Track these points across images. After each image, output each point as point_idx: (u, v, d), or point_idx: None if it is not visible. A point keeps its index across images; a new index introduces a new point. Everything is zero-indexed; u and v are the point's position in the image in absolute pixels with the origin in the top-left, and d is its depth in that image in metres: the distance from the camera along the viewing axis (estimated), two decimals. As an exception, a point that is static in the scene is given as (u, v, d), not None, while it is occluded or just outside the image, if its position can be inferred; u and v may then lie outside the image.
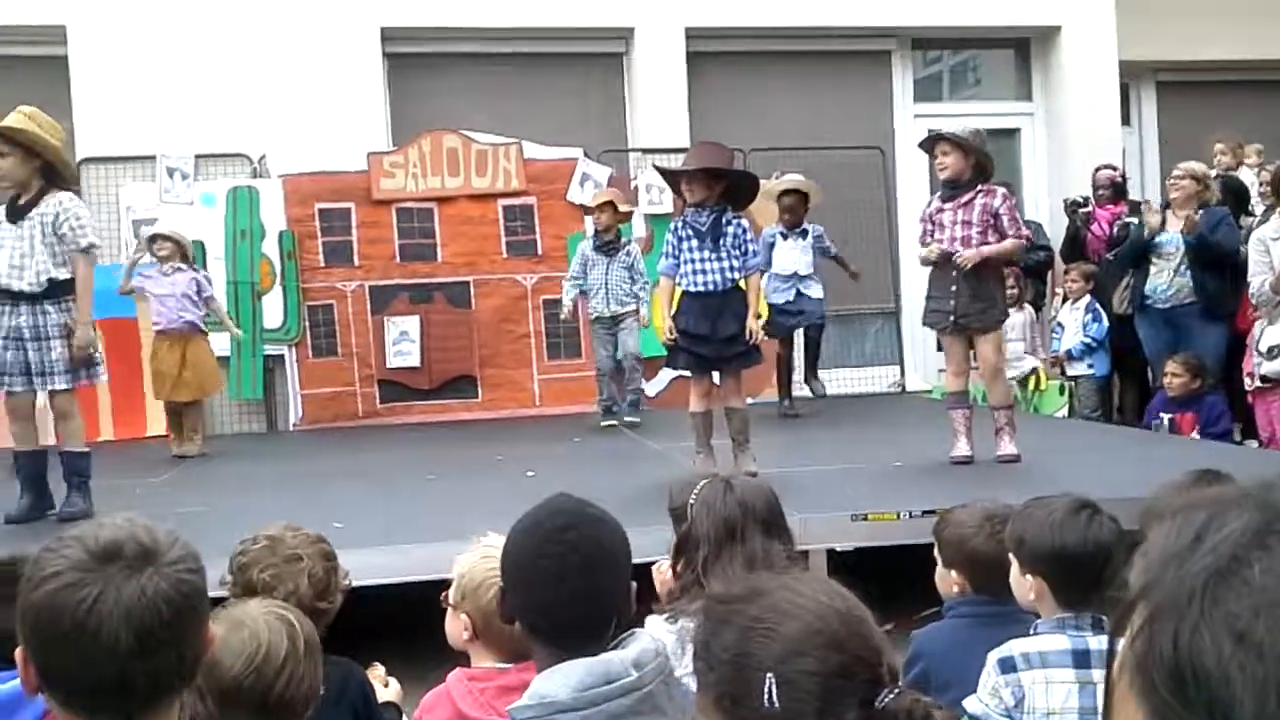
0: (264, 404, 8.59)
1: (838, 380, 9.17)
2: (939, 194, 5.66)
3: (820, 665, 1.27)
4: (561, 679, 1.67)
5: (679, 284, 5.34)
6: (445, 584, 2.36)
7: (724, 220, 5.21)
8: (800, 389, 8.18)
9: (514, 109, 9.06)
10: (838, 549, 3.98)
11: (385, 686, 2.67)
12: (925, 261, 5.66)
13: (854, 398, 9.00)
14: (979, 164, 5.49)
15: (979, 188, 5.48)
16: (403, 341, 8.60)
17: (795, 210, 7.66)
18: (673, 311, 5.38)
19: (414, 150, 8.66)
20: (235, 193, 8.44)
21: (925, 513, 4.05)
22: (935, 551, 2.77)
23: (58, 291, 4.91)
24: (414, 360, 8.58)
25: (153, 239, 7.05)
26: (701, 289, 5.23)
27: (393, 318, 8.60)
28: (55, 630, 1.30)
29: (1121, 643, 0.67)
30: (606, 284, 7.54)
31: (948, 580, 2.72)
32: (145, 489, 5.83)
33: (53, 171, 4.95)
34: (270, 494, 5.50)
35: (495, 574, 2.19)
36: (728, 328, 5.19)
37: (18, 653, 1.35)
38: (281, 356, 8.54)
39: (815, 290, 7.74)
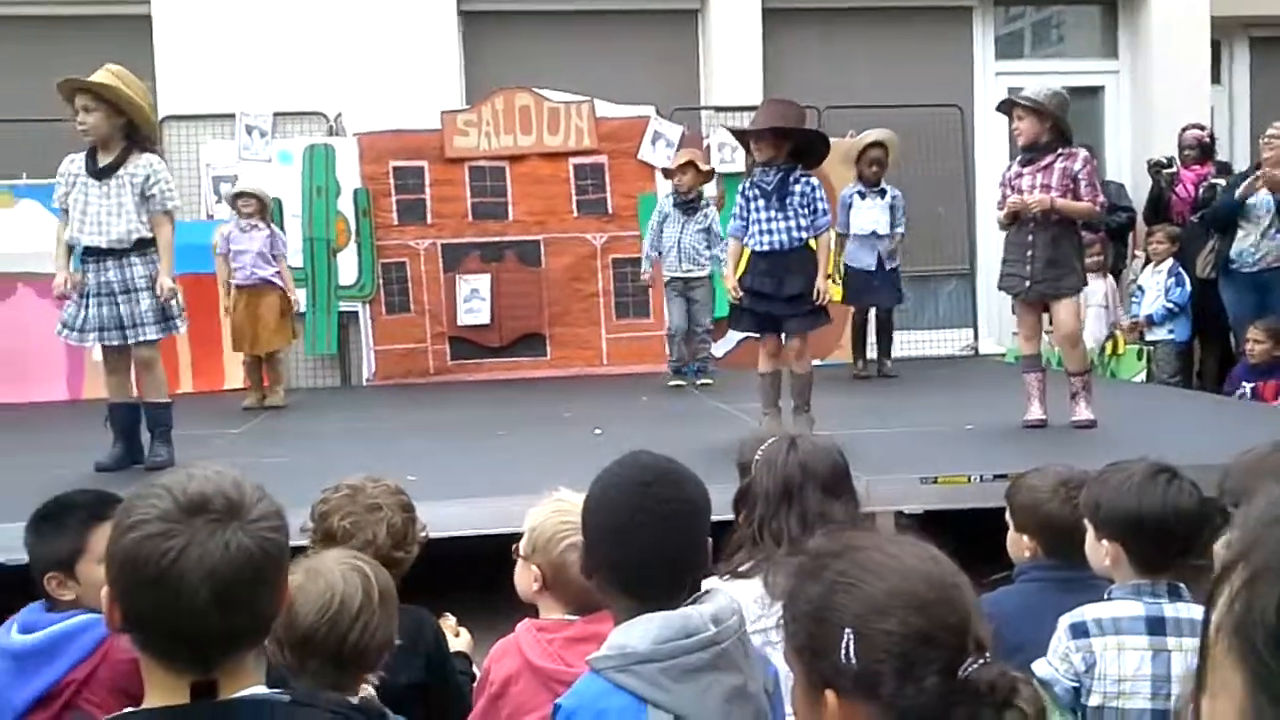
0: (338, 359, 8.74)
1: (910, 343, 9.06)
2: (1018, 158, 5.53)
3: (901, 626, 1.26)
4: (641, 631, 1.69)
5: (746, 243, 5.30)
6: (515, 537, 2.39)
7: (791, 179, 5.15)
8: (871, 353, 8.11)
9: (587, 67, 9.02)
10: (905, 511, 3.95)
11: (456, 636, 2.73)
12: (1003, 225, 5.55)
13: (926, 359, 8.89)
14: (1056, 127, 5.36)
15: (1059, 151, 5.35)
16: (474, 299, 8.68)
17: (882, 164, 7.56)
18: (739, 272, 5.36)
19: (487, 108, 8.68)
20: (312, 150, 8.55)
21: (997, 476, 4.00)
22: (1007, 515, 2.74)
23: (144, 246, 5.04)
24: (484, 318, 8.66)
25: (238, 196, 7.19)
26: (767, 248, 5.19)
27: (464, 275, 8.67)
28: (139, 577, 1.33)
29: (1218, 606, 0.66)
30: (680, 244, 7.51)
31: (1019, 544, 2.70)
32: (224, 440, 5.98)
33: (136, 131, 5.05)
34: (344, 447, 5.60)
35: (567, 528, 2.22)
36: (793, 286, 5.16)
37: (104, 591, 1.39)
38: (356, 313, 8.66)
39: (887, 254, 7.66)
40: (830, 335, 8.43)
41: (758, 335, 5.44)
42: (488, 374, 8.64)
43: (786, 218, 5.15)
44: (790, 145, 5.15)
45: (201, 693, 1.34)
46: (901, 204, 7.73)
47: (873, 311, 8.03)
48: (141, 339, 5.04)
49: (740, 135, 5.53)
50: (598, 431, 5.82)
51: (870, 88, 9.07)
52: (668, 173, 7.84)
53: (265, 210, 7.24)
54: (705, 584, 1.86)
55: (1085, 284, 5.80)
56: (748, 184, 5.27)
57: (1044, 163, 5.33)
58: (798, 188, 5.15)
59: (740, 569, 2.40)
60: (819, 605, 1.31)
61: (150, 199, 5.02)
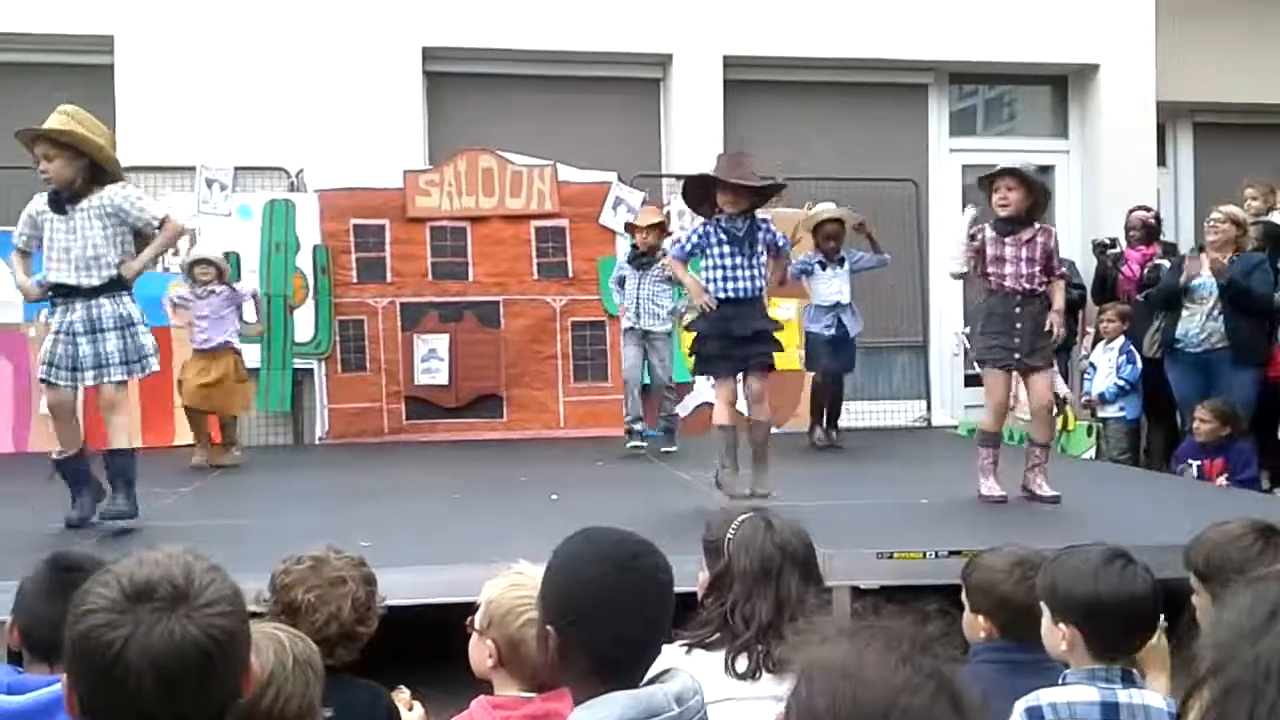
0: (291, 417, 8.64)
1: (864, 413, 9.14)
2: (990, 222, 5.57)
3: None
4: (605, 710, 1.67)
5: (707, 288, 5.32)
6: (470, 607, 2.36)
7: (756, 226, 5.33)
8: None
9: (550, 131, 9.12)
10: (862, 586, 3.96)
11: (410, 710, 2.68)
12: (956, 275, 5.65)
13: (879, 430, 8.96)
14: (1037, 203, 5.50)
15: (1037, 226, 5.49)
16: (431, 359, 8.64)
17: (838, 238, 7.69)
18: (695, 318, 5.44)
19: (450, 169, 8.73)
20: (272, 206, 8.53)
21: (952, 553, 4.03)
22: (963, 595, 2.75)
23: (114, 286, 4.94)
24: (442, 378, 8.62)
25: (195, 263, 7.14)
26: (732, 295, 5.27)
27: (422, 335, 8.65)
28: (88, 666, 1.34)
29: (1192, 715, 0.67)
30: (639, 298, 7.55)
31: (975, 625, 2.70)
32: (175, 498, 5.87)
33: (99, 169, 4.97)
34: (297, 508, 5.52)
35: (524, 603, 2.19)
36: (755, 325, 5.29)
37: (63, 678, 1.38)
38: (310, 370, 8.59)
39: (855, 324, 7.78)
40: (787, 403, 8.50)
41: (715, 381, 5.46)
42: (443, 435, 8.58)
43: (752, 265, 5.29)
44: (755, 196, 5.33)
45: None
46: (856, 253, 7.83)
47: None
48: (108, 380, 4.90)
49: (703, 185, 5.46)
50: (554, 497, 5.78)
51: (827, 160, 9.24)
52: (631, 228, 7.88)
53: (223, 275, 7.20)
54: (665, 657, 1.85)
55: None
56: (714, 226, 5.31)
57: (1025, 236, 5.44)
58: (760, 234, 5.34)
59: (705, 641, 2.39)
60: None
61: (137, 227, 4.96)
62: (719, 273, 5.28)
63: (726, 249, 5.26)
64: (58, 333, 4.92)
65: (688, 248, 5.44)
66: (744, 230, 5.26)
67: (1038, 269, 5.45)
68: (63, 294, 4.93)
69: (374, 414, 8.61)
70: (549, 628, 1.79)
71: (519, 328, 8.79)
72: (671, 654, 2.31)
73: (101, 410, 5.05)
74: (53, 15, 8.48)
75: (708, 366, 5.40)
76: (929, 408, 9.43)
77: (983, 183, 5.68)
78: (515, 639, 2.21)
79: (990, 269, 5.51)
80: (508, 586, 2.28)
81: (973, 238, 5.57)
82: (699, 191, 5.49)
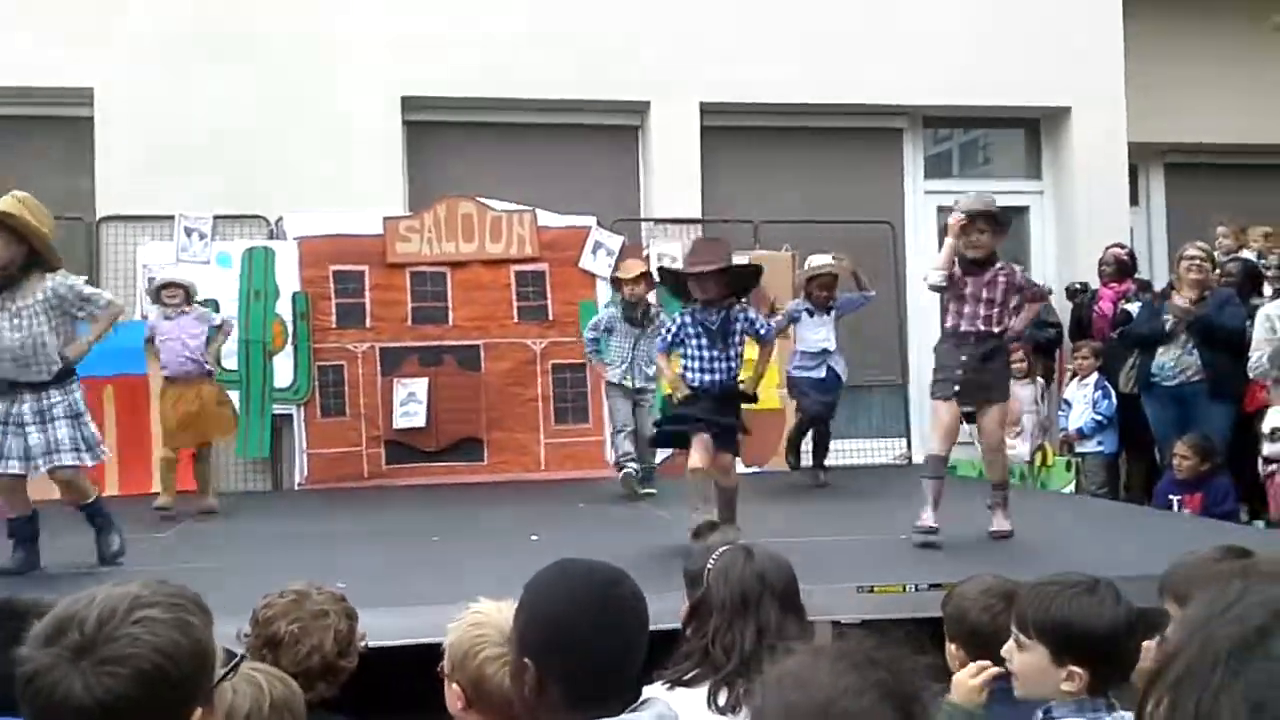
0: (270, 462, 8.60)
1: (844, 451, 9.15)
2: (957, 260, 5.52)
3: None
4: None
5: (683, 376, 5.40)
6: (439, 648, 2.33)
7: (732, 317, 5.31)
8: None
9: (529, 177, 9.18)
10: (843, 621, 3.96)
11: (387, 750, 2.66)
12: (934, 287, 5.63)
13: (859, 468, 8.98)
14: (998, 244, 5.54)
15: (999, 265, 5.49)
16: (410, 403, 8.63)
17: (831, 289, 7.72)
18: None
19: (430, 215, 8.77)
20: (251, 253, 8.54)
21: (932, 586, 4.03)
22: (945, 627, 2.76)
23: (62, 376, 5.00)
24: (420, 421, 8.60)
25: (163, 287, 7.13)
26: (708, 386, 5.31)
27: (402, 379, 8.64)
28: (26, 709, 1.33)
29: (1147, 709, 0.68)
30: (633, 358, 7.51)
31: (951, 655, 2.71)
32: (152, 545, 5.81)
33: (38, 257, 5.00)
34: (275, 552, 5.50)
35: (482, 641, 2.18)
36: (728, 417, 5.31)
37: None
38: (290, 415, 8.57)
39: (841, 367, 7.81)
40: (770, 442, 8.52)
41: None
42: (423, 478, 8.54)
43: (728, 357, 5.30)
44: (728, 281, 5.30)
45: None
46: (842, 300, 7.87)
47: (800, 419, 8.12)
48: (57, 464, 4.98)
49: (675, 276, 5.60)
50: (534, 538, 5.77)
51: (804, 203, 9.34)
52: (617, 282, 7.90)
53: (190, 298, 7.19)
54: (646, 691, 1.84)
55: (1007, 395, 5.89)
56: (689, 317, 5.34)
57: (985, 277, 5.42)
58: (738, 325, 5.33)
59: (685, 677, 2.38)
60: None
61: (86, 312, 5.06)
62: (695, 363, 5.33)
63: (703, 340, 5.29)
64: (4, 423, 4.92)
65: (668, 339, 5.45)
66: (718, 322, 5.27)
67: (996, 310, 5.43)
68: (10, 387, 4.95)
69: (354, 458, 8.58)
70: (526, 660, 1.77)
71: (500, 371, 8.79)
72: (653, 692, 2.30)
73: (60, 488, 5.11)
74: (32, 69, 8.51)
75: (677, 439, 5.47)
76: (909, 445, 9.46)
77: (963, 220, 5.59)
78: (477, 678, 2.19)
79: (951, 306, 5.54)
80: (466, 627, 2.26)
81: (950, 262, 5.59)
82: (674, 281, 5.58)
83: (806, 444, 8.13)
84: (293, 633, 2.32)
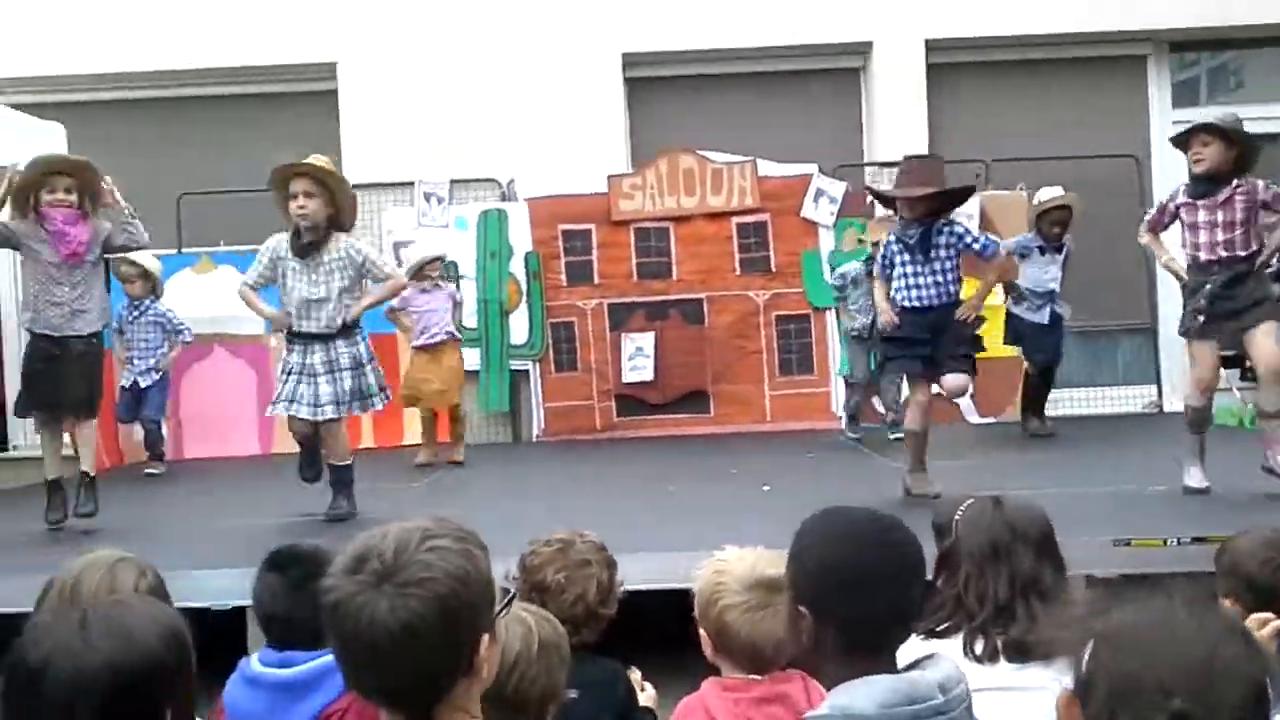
0: (510, 416, 8.98)
1: (1088, 400, 8.76)
2: (1184, 186, 5.21)
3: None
4: (865, 692, 1.62)
5: (895, 298, 5.27)
6: (687, 593, 2.37)
7: (934, 231, 5.13)
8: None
9: (749, 127, 9.14)
10: (1098, 575, 3.80)
11: (642, 691, 2.75)
12: (1169, 266, 5.29)
13: (1105, 418, 8.56)
14: (1239, 159, 5.03)
15: (1236, 183, 5.01)
16: (638, 357, 8.81)
17: (1066, 224, 7.35)
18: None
19: (652, 171, 8.87)
20: (485, 216, 8.90)
21: (1195, 539, 3.82)
22: (1218, 583, 2.62)
23: (349, 329, 5.36)
24: (648, 375, 8.78)
25: (428, 262, 7.45)
26: (916, 304, 5.17)
27: (629, 334, 8.83)
28: (333, 635, 1.42)
29: None
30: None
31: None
32: (407, 494, 6.22)
33: (338, 219, 5.36)
34: (521, 500, 5.74)
35: (722, 589, 2.22)
36: (947, 346, 5.12)
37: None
38: (526, 371, 8.92)
39: (1065, 310, 7.45)
40: (1004, 392, 8.24)
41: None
42: (652, 431, 8.73)
43: (934, 271, 5.14)
44: (936, 202, 5.15)
45: None
46: (1071, 251, 7.50)
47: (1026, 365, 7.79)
48: (341, 415, 5.36)
49: (884, 197, 5.51)
50: (766, 488, 5.81)
51: (1038, 139, 8.89)
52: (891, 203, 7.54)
53: (446, 273, 7.59)
54: (916, 647, 1.81)
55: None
56: (893, 238, 5.28)
57: (1221, 196, 5.00)
58: (942, 239, 5.14)
59: (938, 628, 2.35)
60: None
61: (373, 276, 5.43)
62: (901, 282, 5.21)
63: (905, 257, 5.18)
64: (299, 373, 5.30)
65: (883, 265, 5.37)
66: (916, 238, 5.12)
67: (1238, 233, 4.98)
68: (302, 338, 5.32)
69: (586, 411, 8.85)
70: (802, 609, 1.76)
71: (723, 324, 8.85)
72: (908, 645, 2.29)
73: (324, 435, 5.45)
74: (278, 47, 9.11)
75: (897, 367, 5.36)
76: (1160, 393, 8.93)
77: (1177, 143, 5.28)
78: (719, 626, 2.22)
79: (1187, 237, 5.14)
80: (709, 575, 2.29)
81: (1163, 208, 5.27)
82: (883, 202, 5.49)
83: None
84: (559, 581, 2.41)
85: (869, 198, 8.61)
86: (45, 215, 5.28)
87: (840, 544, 1.78)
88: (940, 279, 5.14)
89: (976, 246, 5.21)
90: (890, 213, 5.85)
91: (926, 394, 5.25)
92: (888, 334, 5.36)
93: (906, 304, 5.19)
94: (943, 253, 5.14)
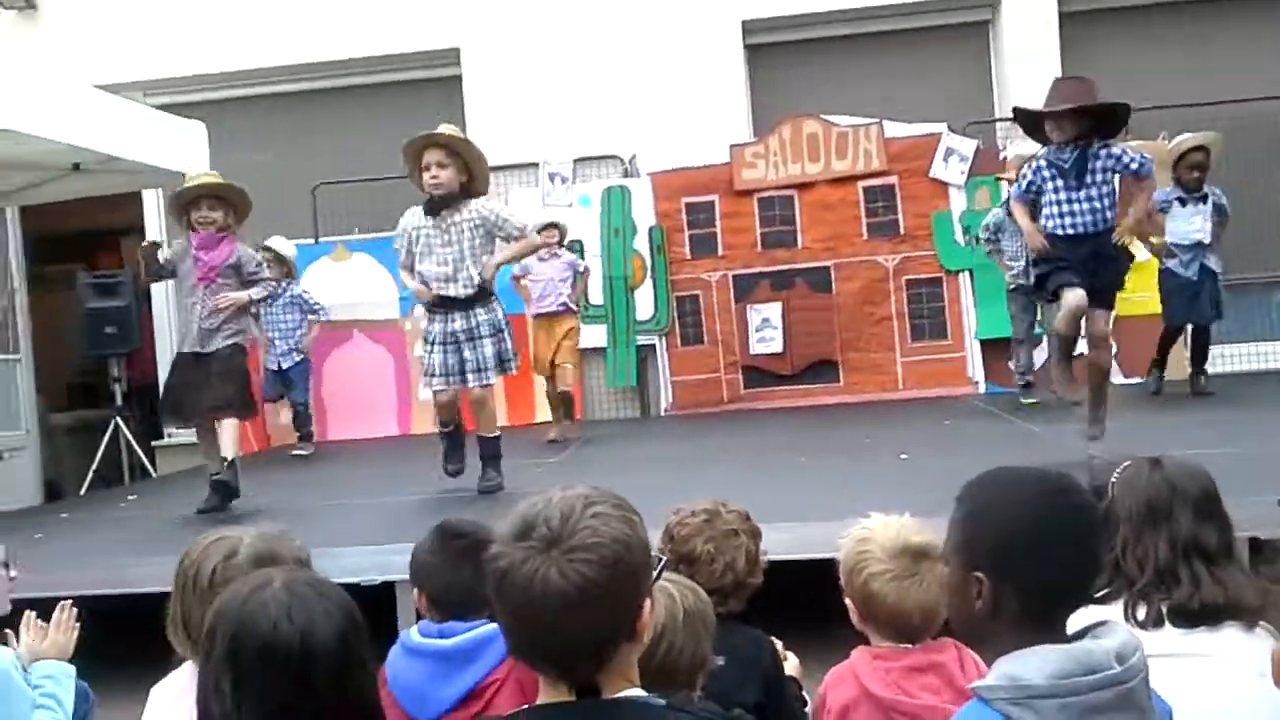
0: (637, 391, 9.02)
1: (1237, 356, 8.34)
2: None
3: None
4: (1038, 662, 1.56)
5: (1044, 225, 4.99)
6: (826, 563, 2.35)
7: (1090, 154, 4.85)
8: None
9: (873, 88, 8.95)
10: (1262, 538, 3.60)
11: (785, 660, 2.73)
12: None
13: (1257, 374, 8.13)
14: None
15: None
16: (765, 328, 8.74)
17: (1204, 168, 6.99)
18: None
19: (774, 139, 8.76)
20: (609, 192, 8.93)
21: (1370, 498, 3.58)
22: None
23: (484, 295, 5.41)
24: (776, 346, 8.70)
25: (543, 227, 7.47)
26: (1070, 231, 4.89)
27: (755, 305, 8.76)
28: (501, 602, 1.43)
29: None
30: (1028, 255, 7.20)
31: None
32: (542, 469, 6.30)
33: (470, 187, 5.42)
34: (654, 472, 5.75)
35: (866, 557, 2.19)
36: (1101, 279, 4.86)
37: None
38: (653, 346, 8.94)
39: (1215, 263, 7.08)
40: (1147, 351, 7.90)
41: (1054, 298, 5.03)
42: (781, 402, 8.66)
43: (1089, 197, 4.85)
44: (1089, 122, 4.86)
45: (585, 694, 1.42)
46: (1224, 204, 7.12)
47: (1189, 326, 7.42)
48: (485, 383, 5.42)
49: (1032, 116, 5.13)
50: (904, 456, 5.69)
51: (1182, 86, 8.45)
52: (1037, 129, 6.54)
53: (563, 239, 7.58)
54: (1081, 615, 1.73)
55: None
56: (1043, 162, 4.98)
57: None
58: (1098, 163, 4.85)
59: (1098, 594, 2.26)
60: None
61: (505, 235, 5.43)
62: (1054, 208, 4.92)
63: (1058, 181, 4.89)
64: (443, 343, 5.38)
65: (1024, 187, 5.11)
66: (1070, 160, 4.84)
67: None
68: (443, 306, 5.39)
69: (714, 384, 8.83)
70: (978, 574, 1.67)
71: (851, 291, 8.70)
72: (1101, 614, 2.21)
73: (472, 405, 5.54)
74: (403, 37, 9.29)
75: (1051, 281, 4.94)
76: (1320, 348, 8.45)
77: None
78: (864, 594, 2.20)
79: None
80: (853, 543, 2.27)
81: None
82: (1029, 122, 5.17)
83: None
84: (708, 551, 2.40)
85: (1001, 155, 8.38)
86: (192, 236, 5.58)
87: (1010, 506, 1.68)
88: (1098, 204, 4.86)
89: (1135, 166, 4.90)
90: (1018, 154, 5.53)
91: (1082, 301, 4.86)
92: (1039, 257, 5.06)
93: (1060, 232, 4.92)
94: (1099, 176, 4.84)
